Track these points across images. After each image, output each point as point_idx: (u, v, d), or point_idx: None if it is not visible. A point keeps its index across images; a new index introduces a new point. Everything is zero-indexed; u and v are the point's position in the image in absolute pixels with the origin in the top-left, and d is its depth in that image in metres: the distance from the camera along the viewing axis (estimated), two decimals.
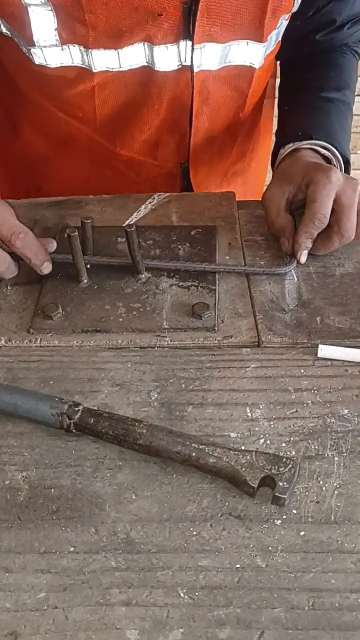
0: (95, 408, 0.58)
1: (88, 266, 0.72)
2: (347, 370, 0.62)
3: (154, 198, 0.84)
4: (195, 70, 0.79)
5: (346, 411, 0.58)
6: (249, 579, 0.47)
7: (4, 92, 0.89)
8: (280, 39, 0.85)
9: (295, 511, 0.51)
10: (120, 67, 0.77)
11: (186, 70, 0.78)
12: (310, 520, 0.51)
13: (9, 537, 0.51)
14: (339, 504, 0.52)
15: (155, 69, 0.77)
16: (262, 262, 0.74)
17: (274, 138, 0.88)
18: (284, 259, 0.72)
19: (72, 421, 0.56)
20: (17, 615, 0.46)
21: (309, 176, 0.70)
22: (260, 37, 0.79)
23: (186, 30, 0.74)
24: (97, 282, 0.72)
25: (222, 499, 0.52)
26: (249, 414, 0.58)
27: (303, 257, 0.71)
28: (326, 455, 0.55)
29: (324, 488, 0.53)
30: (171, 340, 0.65)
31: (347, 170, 0.79)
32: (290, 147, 0.78)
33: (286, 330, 0.65)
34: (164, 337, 0.66)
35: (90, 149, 0.89)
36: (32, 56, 0.76)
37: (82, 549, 0.50)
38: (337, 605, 0.46)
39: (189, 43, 0.75)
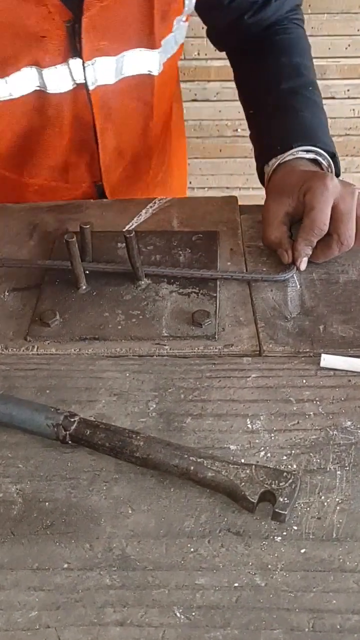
0: (92, 418, 0.57)
1: (87, 272, 0.70)
2: (350, 381, 0.60)
3: (155, 202, 0.83)
4: (91, 87, 0.77)
5: (349, 423, 0.57)
6: (247, 598, 0.46)
7: None
8: (182, 41, 0.84)
9: (296, 527, 0.50)
10: (11, 96, 0.75)
11: (81, 89, 0.77)
12: (311, 537, 0.49)
13: (1, 552, 0.49)
14: (341, 520, 0.50)
15: (48, 91, 0.76)
16: (264, 269, 0.72)
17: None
18: (285, 265, 0.71)
19: (68, 432, 0.55)
20: (8, 635, 0.45)
21: (306, 185, 0.69)
22: (152, 44, 0.78)
23: (73, 48, 0.72)
24: (96, 288, 0.70)
25: (220, 514, 0.51)
26: (249, 426, 0.57)
27: (303, 265, 0.70)
28: (328, 469, 0.53)
29: (325, 503, 0.51)
30: (170, 349, 0.64)
31: (335, 163, 0.77)
32: (274, 162, 0.76)
33: (288, 339, 0.64)
34: (163, 346, 0.64)
35: None
36: None
37: (76, 566, 0.48)
38: (338, 627, 0.44)
39: (79, 61, 0.73)
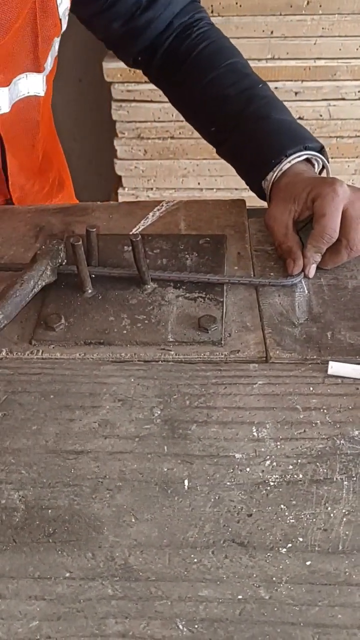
0: (97, 425, 0.57)
1: (93, 276, 0.70)
2: (358, 389, 0.59)
3: (162, 205, 0.82)
4: None
5: (357, 432, 0.56)
6: (251, 611, 0.45)
7: None
8: (55, 57, 0.86)
9: (301, 539, 0.49)
10: None
11: None
12: (317, 549, 0.48)
13: (2, 560, 0.49)
14: (347, 533, 0.49)
15: None
16: (271, 273, 0.71)
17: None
18: None
19: None
20: None
21: (315, 191, 0.68)
22: (38, 68, 0.81)
23: None
24: (102, 292, 0.70)
25: (225, 524, 0.50)
26: (254, 434, 0.56)
27: (312, 272, 0.69)
28: (335, 479, 0.53)
29: (332, 515, 0.50)
30: (176, 354, 0.63)
31: (323, 153, 0.76)
32: (272, 175, 0.74)
33: (295, 346, 0.63)
34: (168, 351, 0.64)
35: None
36: None
37: (78, 575, 0.48)
38: None
39: None
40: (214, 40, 0.85)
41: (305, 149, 0.74)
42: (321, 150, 0.76)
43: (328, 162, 0.77)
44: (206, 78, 0.82)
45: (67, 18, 0.82)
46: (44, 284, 0.68)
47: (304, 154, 0.74)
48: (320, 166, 0.77)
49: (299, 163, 0.74)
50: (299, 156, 0.74)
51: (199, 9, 0.88)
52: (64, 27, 0.82)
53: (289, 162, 0.74)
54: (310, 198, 0.68)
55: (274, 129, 0.77)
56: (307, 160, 0.76)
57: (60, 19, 0.80)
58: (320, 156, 0.76)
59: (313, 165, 0.76)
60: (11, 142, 0.85)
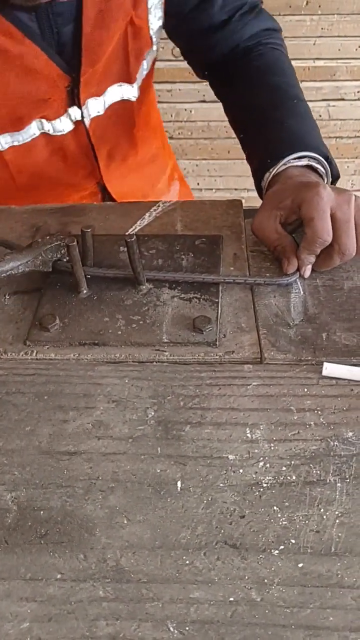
0: (90, 425, 0.56)
1: (88, 276, 0.70)
2: (352, 390, 0.59)
3: (158, 205, 0.82)
4: (87, 121, 0.90)
5: (350, 434, 0.56)
6: (242, 613, 0.45)
7: None
8: (150, 66, 0.95)
9: (293, 541, 0.49)
10: (21, 141, 0.89)
11: (79, 124, 0.89)
12: (309, 550, 0.48)
13: None
14: (340, 534, 0.49)
15: (53, 134, 0.89)
16: (267, 274, 0.71)
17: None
18: None
19: None
20: None
21: (300, 196, 0.67)
22: (129, 79, 0.91)
23: (71, 101, 0.86)
24: (97, 292, 0.69)
25: (217, 526, 0.50)
26: (248, 435, 0.56)
27: (307, 272, 0.69)
28: (328, 480, 0.52)
29: (324, 516, 0.50)
30: (171, 355, 0.63)
31: (331, 165, 0.76)
32: (267, 176, 0.75)
33: (290, 347, 0.63)
34: (163, 352, 0.63)
35: None
36: None
37: (70, 577, 0.48)
38: None
39: (76, 108, 0.87)
40: (265, 60, 0.90)
41: (308, 152, 0.74)
42: (327, 159, 0.75)
43: (333, 172, 0.76)
44: (246, 91, 0.89)
45: (159, 35, 0.91)
46: (27, 270, 0.69)
47: (304, 157, 0.74)
48: (329, 176, 0.76)
49: (294, 168, 0.74)
50: (298, 158, 0.74)
51: (271, 35, 0.92)
52: (155, 43, 0.91)
53: (284, 164, 0.74)
54: (296, 204, 0.67)
55: (282, 132, 0.78)
56: (311, 168, 0.75)
57: (152, 37, 0.89)
58: (324, 162, 0.75)
59: (320, 175, 0.75)
60: (106, 137, 0.94)
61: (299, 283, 0.69)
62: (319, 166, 0.75)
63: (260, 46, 0.91)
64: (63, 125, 0.89)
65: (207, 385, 0.60)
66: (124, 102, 0.94)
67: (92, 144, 0.94)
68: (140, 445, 0.56)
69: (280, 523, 0.50)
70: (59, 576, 0.48)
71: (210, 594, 0.46)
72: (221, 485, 0.53)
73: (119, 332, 0.65)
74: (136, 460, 0.55)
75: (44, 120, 0.87)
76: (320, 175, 0.75)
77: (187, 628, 0.45)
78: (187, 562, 0.48)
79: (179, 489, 0.53)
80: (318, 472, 0.53)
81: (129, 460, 0.55)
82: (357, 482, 0.52)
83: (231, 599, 0.46)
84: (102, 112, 0.91)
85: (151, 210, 0.81)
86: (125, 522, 0.51)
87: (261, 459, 0.54)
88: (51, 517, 0.51)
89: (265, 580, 0.47)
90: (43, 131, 0.88)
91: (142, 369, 0.62)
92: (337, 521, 0.50)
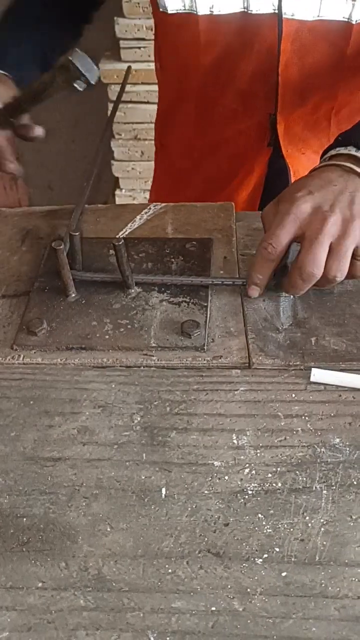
0: (76, 431, 0.56)
1: (76, 280, 0.69)
2: (340, 396, 0.59)
3: (149, 208, 0.81)
4: (285, 16, 0.81)
5: (337, 440, 0.55)
6: (224, 624, 0.44)
7: None
8: None
9: (277, 549, 0.48)
10: (220, 12, 0.82)
11: (274, 18, 0.81)
12: (293, 560, 0.48)
13: None
14: (324, 543, 0.48)
15: (250, 11, 0.81)
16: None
17: None
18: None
19: None
20: None
21: (280, 200, 0.64)
22: None
23: None
24: (85, 296, 0.69)
25: (201, 534, 0.49)
26: (234, 441, 0.55)
27: (251, 292, 0.67)
28: (314, 488, 0.52)
29: (309, 525, 0.49)
30: (158, 360, 0.63)
31: None
32: (320, 164, 0.70)
33: (279, 352, 0.62)
34: (151, 356, 0.63)
35: (197, 97, 0.93)
36: (158, 3, 0.84)
37: (51, 585, 0.47)
38: None
39: None
40: None
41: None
42: None
43: None
44: None
45: None
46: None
47: (340, 152, 0.67)
48: None
49: (330, 167, 0.66)
50: (337, 153, 0.68)
51: None
52: None
53: (327, 157, 0.68)
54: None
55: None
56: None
57: None
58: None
59: None
60: (302, 55, 0.84)
61: None
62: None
63: None
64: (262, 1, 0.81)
65: (194, 390, 0.60)
66: (339, 24, 0.82)
67: (279, 56, 0.84)
68: (126, 451, 0.55)
69: (265, 531, 0.49)
70: (39, 585, 0.47)
71: (192, 603, 0.46)
72: (206, 492, 0.52)
73: (107, 337, 0.65)
74: (121, 466, 0.54)
75: None
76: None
77: (167, 638, 0.44)
78: (170, 571, 0.47)
79: (163, 496, 0.52)
80: (304, 479, 0.52)
81: (113, 467, 0.54)
82: (343, 489, 0.52)
83: (213, 608, 0.45)
84: (309, 19, 0.82)
85: (142, 213, 0.81)
86: (108, 529, 0.50)
87: (247, 465, 0.54)
88: (33, 525, 0.51)
89: (248, 590, 0.46)
90: (242, 9, 0.81)
91: (129, 373, 0.62)
92: (322, 529, 0.49)
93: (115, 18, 1.56)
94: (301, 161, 0.94)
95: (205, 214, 0.80)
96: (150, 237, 0.76)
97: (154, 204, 0.82)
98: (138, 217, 0.80)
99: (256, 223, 0.78)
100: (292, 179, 0.93)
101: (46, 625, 0.45)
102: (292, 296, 0.68)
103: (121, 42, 1.59)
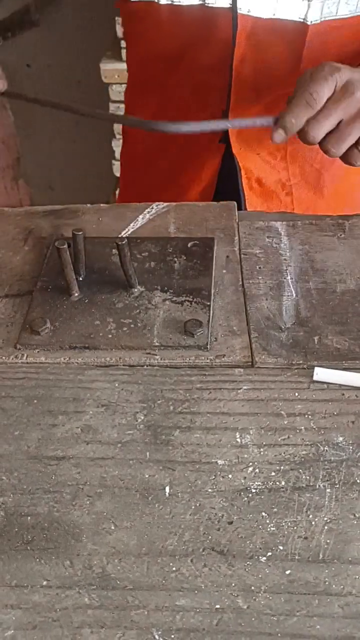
0: (79, 430, 0.56)
1: (79, 279, 0.69)
2: (343, 394, 0.59)
3: (152, 207, 0.81)
4: (241, 12, 0.81)
5: (341, 439, 0.55)
6: (228, 621, 0.45)
7: None
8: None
9: (281, 547, 0.48)
10: (180, 3, 0.82)
11: (229, 12, 0.81)
12: (297, 557, 0.48)
13: None
14: (328, 541, 0.48)
15: (207, 4, 0.81)
16: (259, 277, 0.71)
17: None
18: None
19: None
20: None
21: None
22: None
23: None
24: (89, 295, 0.69)
25: (205, 532, 0.50)
26: (238, 440, 0.56)
27: (277, 136, 0.70)
28: (317, 486, 0.52)
29: (313, 523, 0.50)
30: (161, 359, 0.63)
31: None
32: None
33: (281, 350, 0.62)
34: (154, 355, 0.63)
35: (158, 88, 0.94)
36: None
37: (55, 584, 0.47)
38: None
39: None
40: None
41: None
42: None
43: None
44: None
45: None
46: None
47: None
48: None
49: None
50: None
51: None
52: None
53: None
54: None
55: None
56: None
57: None
58: None
59: None
60: (257, 53, 0.84)
61: (291, 286, 0.69)
62: None
63: None
64: None
65: (197, 389, 0.60)
66: (295, 24, 0.83)
67: (233, 51, 0.86)
68: (129, 450, 0.55)
69: (268, 529, 0.49)
70: (44, 583, 0.47)
71: (196, 601, 0.46)
72: (209, 490, 0.52)
73: (110, 336, 0.65)
74: (124, 465, 0.54)
75: None
76: None
77: (172, 636, 0.44)
78: (174, 569, 0.48)
79: (167, 494, 0.52)
80: (307, 477, 0.53)
81: (117, 466, 0.54)
82: (347, 487, 0.52)
83: (217, 606, 0.45)
84: (264, 17, 0.83)
85: (145, 212, 0.81)
86: (112, 528, 0.50)
87: (250, 464, 0.54)
88: (38, 523, 0.51)
89: (252, 588, 0.46)
90: (200, 1, 0.82)
91: (133, 372, 0.62)
92: (326, 527, 0.49)
93: (115, 18, 1.57)
94: (255, 162, 0.93)
95: (208, 213, 0.80)
96: (153, 236, 0.77)
97: (157, 203, 0.82)
98: (140, 216, 0.80)
99: (258, 222, 0.78)
100: (243, 179, 0.92)
101: (51, 624, 0.45)
102: (295, 295, 0.68)
103: (121, 42, 1.59)
